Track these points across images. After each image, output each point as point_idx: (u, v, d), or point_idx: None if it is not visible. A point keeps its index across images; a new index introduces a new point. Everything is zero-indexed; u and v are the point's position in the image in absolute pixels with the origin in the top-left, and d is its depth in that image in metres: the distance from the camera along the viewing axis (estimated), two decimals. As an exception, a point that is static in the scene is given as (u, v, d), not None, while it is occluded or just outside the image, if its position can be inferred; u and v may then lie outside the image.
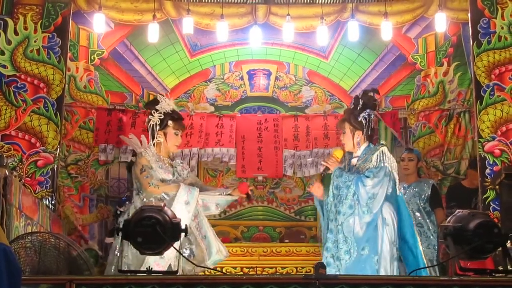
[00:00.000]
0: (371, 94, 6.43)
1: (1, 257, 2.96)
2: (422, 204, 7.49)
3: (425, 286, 4.14)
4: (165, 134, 6.59)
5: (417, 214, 7.45)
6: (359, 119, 6.19)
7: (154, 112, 6.61)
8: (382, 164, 6.01)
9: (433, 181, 7.78)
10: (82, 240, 7.75)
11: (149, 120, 6.63)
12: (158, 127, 6.55)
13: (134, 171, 6.53)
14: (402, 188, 6.94)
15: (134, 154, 6.58)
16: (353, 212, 5.93)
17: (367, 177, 5.98)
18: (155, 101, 6.75)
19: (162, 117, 6.59)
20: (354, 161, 6.23)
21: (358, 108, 6.29)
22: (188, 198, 6.35)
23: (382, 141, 6.20)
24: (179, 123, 6.70)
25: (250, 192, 6.69)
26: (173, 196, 6.35)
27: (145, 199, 6.38)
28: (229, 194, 6.62)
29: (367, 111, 6.24)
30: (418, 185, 7.61)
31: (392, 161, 6.09)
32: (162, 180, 6.44)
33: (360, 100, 6.35)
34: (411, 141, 8.48)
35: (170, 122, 6.60)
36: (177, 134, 6.65)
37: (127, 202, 6.64)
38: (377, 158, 6.06)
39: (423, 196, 7.52)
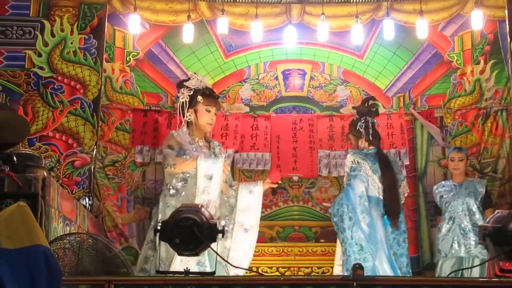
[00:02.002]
0: (366, 102, 7.04)
1: (41, 259, 2.99)
2: (477, 204, 7.35)
3: (465, 288, 4.13)
4: (195, 112, 6.34)
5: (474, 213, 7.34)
6: (357, 128, 6.82)
7: (184, 90, 6.38)
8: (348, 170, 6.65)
9: (485, 181, 7.66)
10: (122, 238, 7.76)
11: (178, 98, 6.40)
12: (188, 105, 6.32)
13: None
14: (453, 187, 7.05)
15: None
16: (355, 220, 6.32)
17: (349, 180, 6.59)
18: (186, 79, 6.55)
19: (192, 93, 6.34)
20: None
21: (355, 118, 6.94)
22: (211, 171, 5.90)
23: (351, 150, 6.75)
24: (210, 98, 6.39)
25: (279, 182, 6.56)
26: (194, 174, 6.01)
27: (168, 185, 6.12)
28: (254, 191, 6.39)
29: (363, 118, 6.82)
30: (470, 185, 7.48)
31: (351, 164, 6.62)
32: (177, 155, 6.08)
33: (355, 110, 7.06)
34: (447, 140, 8.39)
35: (200, 98, 6.33)
36: (208, 111, 6.35)
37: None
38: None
39: (477, 195, 7.39)
